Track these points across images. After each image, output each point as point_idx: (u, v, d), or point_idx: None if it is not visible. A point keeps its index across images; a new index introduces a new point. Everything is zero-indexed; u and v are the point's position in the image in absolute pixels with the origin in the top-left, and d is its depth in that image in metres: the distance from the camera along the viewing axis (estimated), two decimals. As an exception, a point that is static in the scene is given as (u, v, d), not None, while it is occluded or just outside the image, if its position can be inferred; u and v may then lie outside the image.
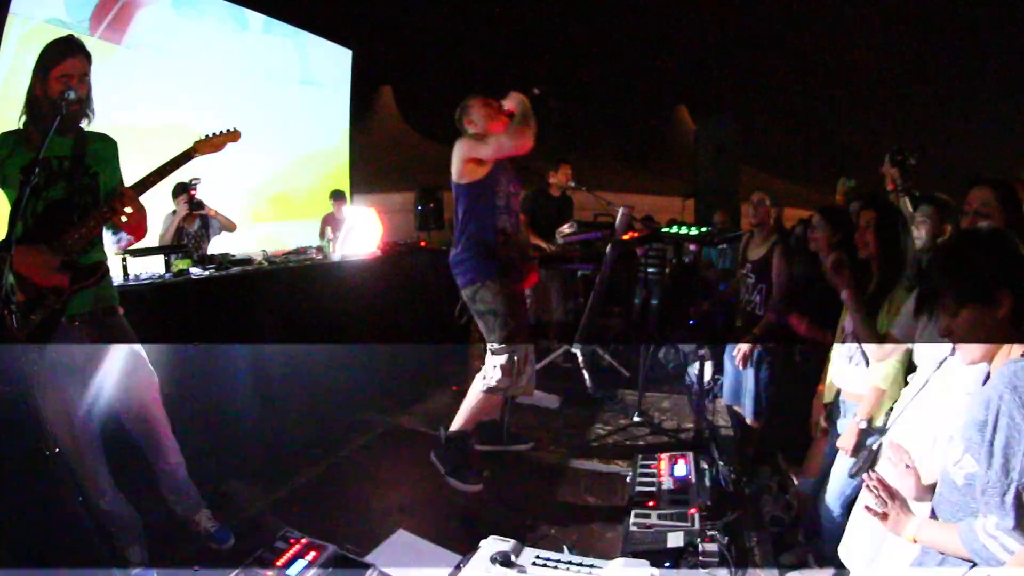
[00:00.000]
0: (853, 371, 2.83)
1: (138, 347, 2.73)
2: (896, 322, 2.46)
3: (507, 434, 4.14)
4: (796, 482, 3.46)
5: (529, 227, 5.70)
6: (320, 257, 5.44)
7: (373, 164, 13.20)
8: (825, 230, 3.28)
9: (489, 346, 3.59)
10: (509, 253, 3.59)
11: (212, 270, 4.29)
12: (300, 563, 2.37)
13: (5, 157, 2.44)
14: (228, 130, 2.91)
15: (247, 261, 4.78)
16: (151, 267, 4.20)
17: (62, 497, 2.63)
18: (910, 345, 2.42)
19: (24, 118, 2.51)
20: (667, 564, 2.64)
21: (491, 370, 3.57)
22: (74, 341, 2.52)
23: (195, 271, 4.20)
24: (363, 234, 5.72)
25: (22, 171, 2.42)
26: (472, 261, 3.55)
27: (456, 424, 3.65)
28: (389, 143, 18.66)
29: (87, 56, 2.54)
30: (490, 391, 3.58)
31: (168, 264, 4.21)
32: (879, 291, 2.71)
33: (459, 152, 3.50)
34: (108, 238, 2.77)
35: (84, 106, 2.56)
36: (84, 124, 2.63)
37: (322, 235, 6.98)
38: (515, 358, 3.54)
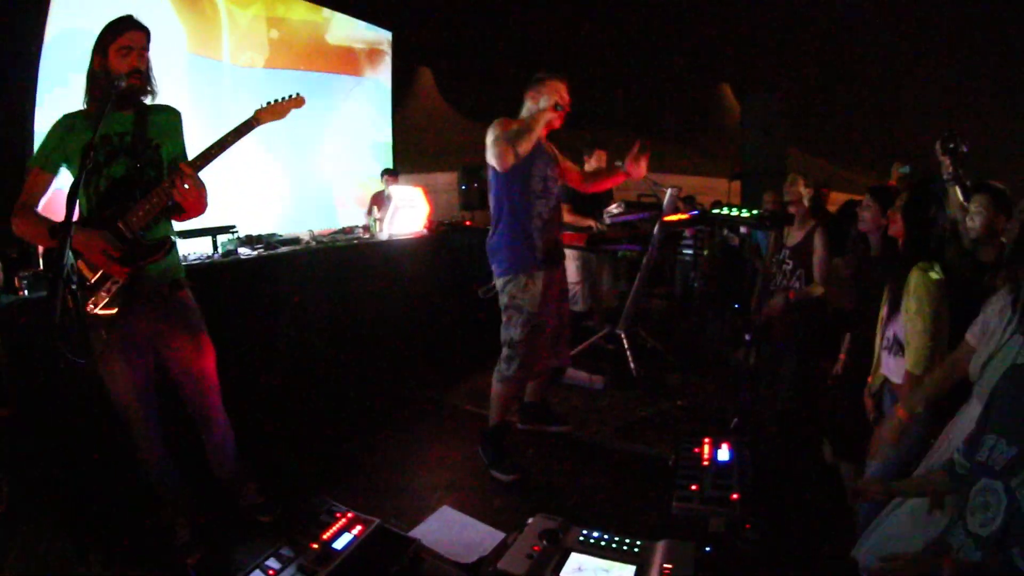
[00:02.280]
0: (893, 361, 2.78)
1: (201, 323, 2.79)
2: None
3: (549, 414, 4.12)
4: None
5: (573, 212, 5.66)
6: (367, 236, 5.48)
7: (415, 144, 13.24)
8: (874, 209, 3.20)
9: (507, 339, 3.57)
10: (547, 241, 3.55)
11: (260, 250, 4.35)
12: (345, 536, 2.39)
13: (66, 136, 2.47)
14: (291, 96, 2.76)
15: (294, 241, 4.84)
16: (200, 247, 4.30)
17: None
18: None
19: (86, 97, 2.52)
20: (709, 548, 2.63)
21: (507, 364, 3.58)
22: (139, 316, 2.57)
23: (244, 251, 4.27)
24: (410, 213, 5.75)
25: (82, 150, 2.43)
26: (507, 251, 3.52)
27: (491, 419, 3.67)
28: (430, 124, 18.70)
29: (146, 31, 2.55)
30: (507, 381, 3.59)
31: (216, 244, 4.29)
32: (902, 269, 2.65)
33: (493, 136, 3.42)
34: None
35: (144, 81, 2.56)
36: (148, 100, 2.63)
37: (369, 214, 7.03)
38: (531, 354, 3.54)
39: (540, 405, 4.10)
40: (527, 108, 3.60)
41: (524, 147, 3.36)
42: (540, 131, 3.42)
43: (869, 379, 3.09)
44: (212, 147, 2.55)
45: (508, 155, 3.33)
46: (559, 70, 3.62)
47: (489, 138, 3.40)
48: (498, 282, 3.59)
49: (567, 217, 5.65)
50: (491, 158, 3.39)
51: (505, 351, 3.59)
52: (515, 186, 3.47)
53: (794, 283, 3.99)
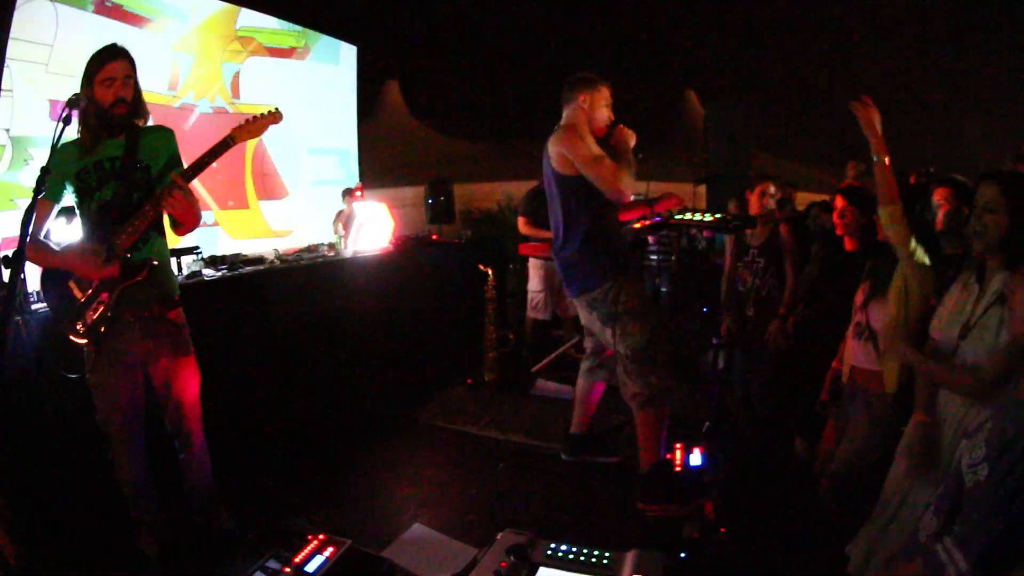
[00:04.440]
0: (861, 347, 2.83)
1: (189, 344, 2.80)
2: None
3: (597, 445, 3.93)
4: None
5: (531, 225, 5.67)
6: (332, 254, 5.46)
7: (382, 159, 13.22)
8: (855, 211, 3.25)
9: (627, 353, 3.28)
10: (625, 249, 3.46)
11: (224, 271, 4.32)
12: (318, 559, 2.39)
13: (62, 166, 2.50)
14: (268, 112, 2.76)
15: (259, 260, 4.80)
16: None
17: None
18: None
19: (79, 126, 2.56)
20: (682, 554, 2.65)
21: (638, 382, 3.28)
22: (129, 334, 2.60)
23: (207, 272, 4.23)
24: (375, 229, 5.74)
25: (76, 177, 2.55)
26: (597, 260, 3.29)
27: (644, 460, 3.36)
28: (397, 137, 18.68)
29: (130, 60, 2.58)
30: (651, 401, 3.29)
31: (180, 266, 4.25)
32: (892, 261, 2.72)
33: (577, 146, 3.20)
34: (169, 226, 2.75)
35: (131, 107, 2.60)
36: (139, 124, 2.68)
37: (335, 231, 6.99)
38: (659, 358, 3.28)
39: (588, 435, 3.91)
40: (576, 109, 3.37)
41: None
42: None
43: (835, 363, 3.15)
44: (190, 167, 2.60)
45: (630, 191, 3.21)
46: (604, 74, 3.44)
47: (603, 169, 3.14)
48: (592, 296, 3.33)
49: (524, 229, 5.66)
50: (611, 189, 3.14)
51: (631, 367, 3.29)
52: (592, 202, 3.25)
53: (768, 280, 4.03)
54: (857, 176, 4.90)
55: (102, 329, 2.52)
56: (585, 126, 3.33)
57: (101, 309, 2.52)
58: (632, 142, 3.35)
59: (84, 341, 2.52)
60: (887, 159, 2.57)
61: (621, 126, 3.39)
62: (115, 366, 2.60)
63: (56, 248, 2.58)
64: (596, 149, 3.20)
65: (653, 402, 3.28)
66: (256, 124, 2.72)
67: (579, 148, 3.19)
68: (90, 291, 2.54)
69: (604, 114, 3.39)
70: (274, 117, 2.76)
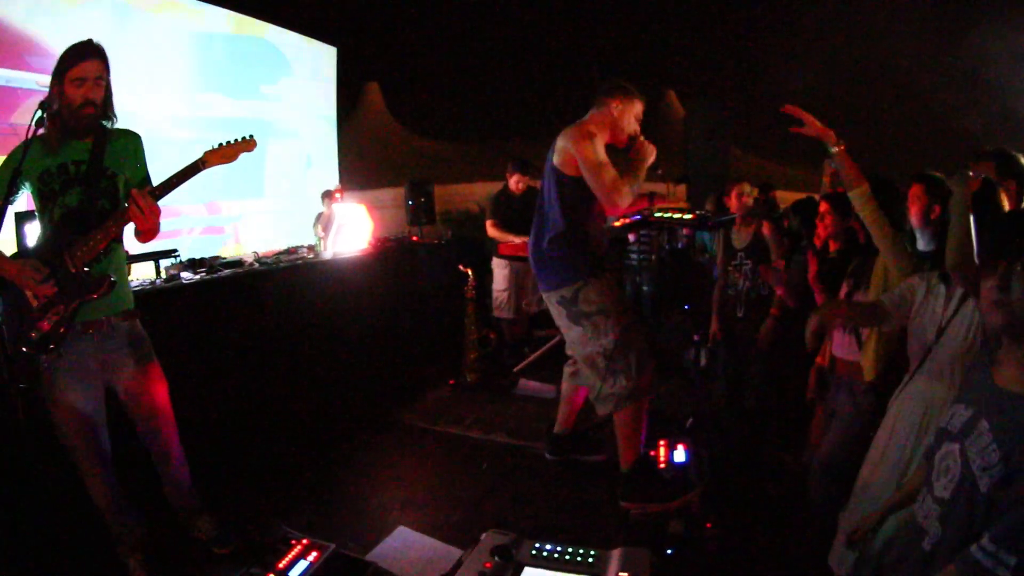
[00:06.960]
0: (845, 339, 2.87)
1: (151, 352, 2.74)
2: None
3: (582, 443, 3.90)
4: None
5: (498, 227, 5.68)
6: (311, 256, 5.43)
7: (362, 160, 13.16)
8: (835, 216, 3.28)
9: (602, 352, 3.24)
10: (603, 250, 3.42)
11: (203, 274, 4.28)
12: (301, 564, 2.38)
13: (27, 163, 2.41)
14: (242, 138, 2.62)
15: (238, 263, 4.76)
16: (143, 273, 4.21)
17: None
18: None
19: (45, 122, 2.46)
20: (668, 551, 2.65)
21: (610, 383, 3.25)
22: (88, 346, 2.53)
23: (186, 275, 4.18)
24: (354, 231, 5.71)
25: (39, 179, 2.48)
26: (570, 259, 3.25)
27: (624, 461, 3.34)
28: (377, 139, 18.59)
29: (104, 59, 2.50)
30: (623, 402, 3.25)
31: (159, 269, 4.20)
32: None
33: (585, 147, 3.14)
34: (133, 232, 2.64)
35: (100, 109, 2.53)
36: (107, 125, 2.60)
37: (315, 233, 6.94)
38: (631, 358, 3.23)
39: (571, 434, 3.88)
40: (604, 111, 3.33)
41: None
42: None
43: (819, 359, 3.18)
44: (158, 187, 2.51)
45: (627, 201, 3.17)
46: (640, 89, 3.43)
47: (604, 176, 3.10)
48: (562, 293, 3.28)
49: (492, 232, 5.66)
50: (607, 197, 3.12)
51: (601, 366, 3.26)
52: (588, 196, 3.19)
53: (758, 280, 4.03)
54: (833, 174, 4.93)
55: (53, 345, 2.41)
56: (605, 130, 3.29)
57: (56, 320, 2.41)
58: (652, 157, 3.37)
59: (35, 351, 2.41)
60: (842, 146, 2.62)
61: (643, 139, 3.40)
62: (72, 379, 2.51)
63: (4, 254, 2.48)
64: (603, 155, 3.16)
65: (626, 401, 3.24)
66: (229, 149, 2.59)
67: (587, 150, 3.13)
68: (45, 300, 2.42)
69: (631, 127, 3.37)
70: (248, 144, 2.63)
